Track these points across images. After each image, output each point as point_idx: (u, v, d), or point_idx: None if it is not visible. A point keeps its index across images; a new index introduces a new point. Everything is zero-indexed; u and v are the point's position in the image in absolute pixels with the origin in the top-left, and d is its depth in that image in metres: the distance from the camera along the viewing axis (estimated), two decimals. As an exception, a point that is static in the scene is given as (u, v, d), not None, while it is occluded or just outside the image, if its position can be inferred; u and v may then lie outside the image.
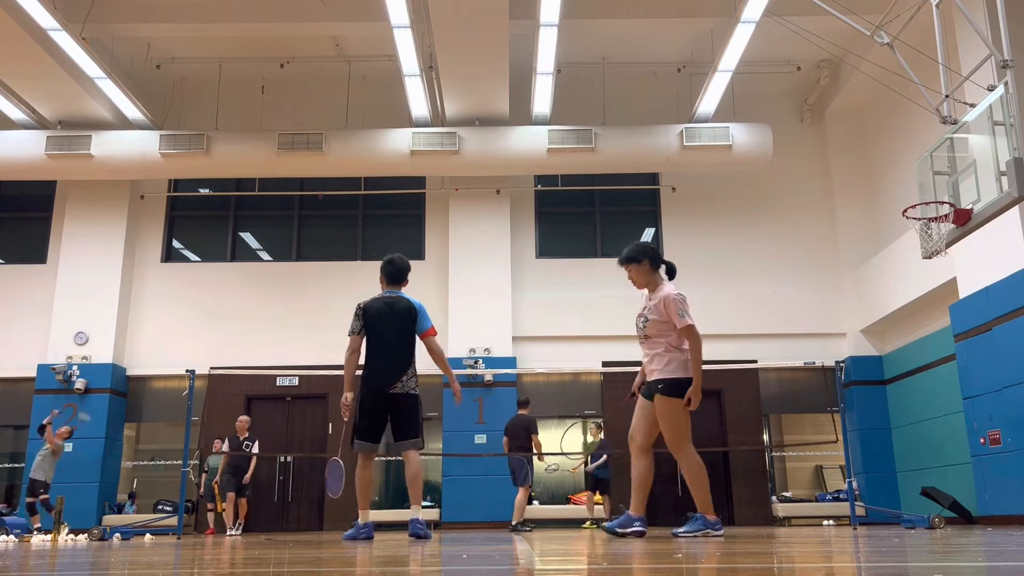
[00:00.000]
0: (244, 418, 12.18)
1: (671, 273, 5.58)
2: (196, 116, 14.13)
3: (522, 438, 10.42)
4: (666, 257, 5.64)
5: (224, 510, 11.74)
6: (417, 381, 6.21)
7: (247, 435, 12.01)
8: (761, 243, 13.96)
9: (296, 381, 13.40)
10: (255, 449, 11.92)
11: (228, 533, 11.40)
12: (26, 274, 13.90)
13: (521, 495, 10.34)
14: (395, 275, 6.34)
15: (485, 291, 13.39)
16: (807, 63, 13.62)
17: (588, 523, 11.87)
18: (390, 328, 6.12)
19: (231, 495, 11.73)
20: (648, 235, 14.27)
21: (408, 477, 6.17)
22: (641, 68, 13.80)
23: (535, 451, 10.49)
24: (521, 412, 10.70)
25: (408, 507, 6.21)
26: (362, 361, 6.22)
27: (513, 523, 10.21)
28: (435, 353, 6.23)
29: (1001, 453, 9.60)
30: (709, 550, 3.21)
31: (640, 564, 2.57)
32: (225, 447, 11.79)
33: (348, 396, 6.09)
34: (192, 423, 9.50)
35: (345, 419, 6.13)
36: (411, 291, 6.47)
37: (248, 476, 11.89)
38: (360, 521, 6.00)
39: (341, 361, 6.61)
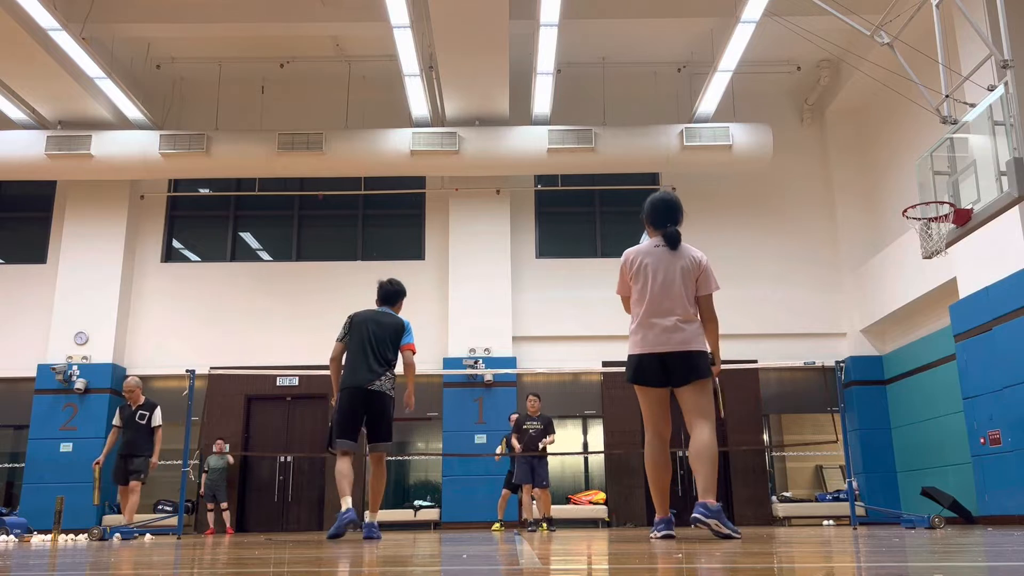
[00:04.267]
0: (133, 379, 9.38)
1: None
2: (196, 116, 14.13)
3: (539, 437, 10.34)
4: None
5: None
6: (394, 384, 6.38)
7: (142, 402, 9.24)
8: (761, 243, 13.96)
9: (296, 381, 13.40)
10: (156, 420, 9.19)
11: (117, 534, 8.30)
12: (26, 274, 13.91)
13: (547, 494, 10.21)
14: (386, 297, 6.68)
15: (485, 291, 13.39)
16: (807, 63, 13.62)
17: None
18: (373, 334, 6.36)
19: (129, 486, 9.00)
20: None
21: (373, 484, 6.35)
22: (641, 68, 13.80)
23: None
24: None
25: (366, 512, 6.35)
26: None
27: (549, 520, 10.10)
28: (408, 365, 6.49)
29: (1001, 453, 9.60)
30: (709, 550, 3.22)
31: (640, 564, 2.57)
32: (116, 420, 9.28)
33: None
34: (192, 423, 9.49)
35: None
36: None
37: (154, 459, 9.04)
38: (342, 509, 6.04)
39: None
